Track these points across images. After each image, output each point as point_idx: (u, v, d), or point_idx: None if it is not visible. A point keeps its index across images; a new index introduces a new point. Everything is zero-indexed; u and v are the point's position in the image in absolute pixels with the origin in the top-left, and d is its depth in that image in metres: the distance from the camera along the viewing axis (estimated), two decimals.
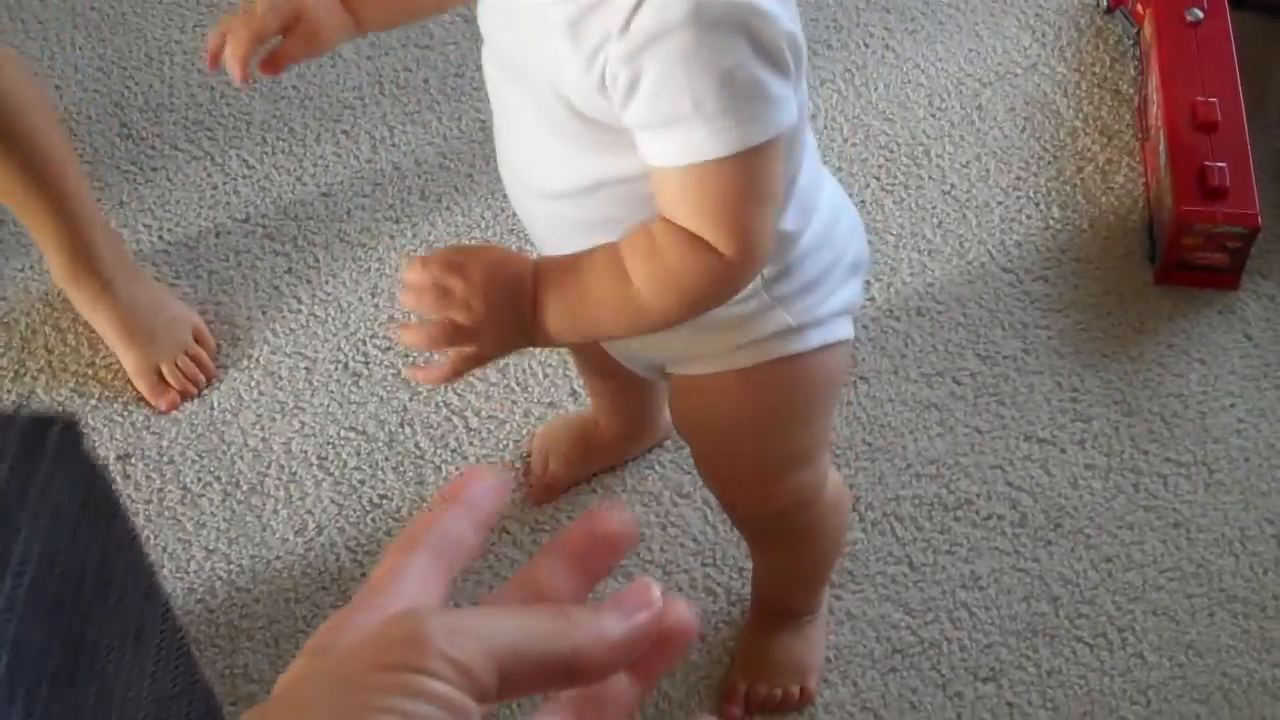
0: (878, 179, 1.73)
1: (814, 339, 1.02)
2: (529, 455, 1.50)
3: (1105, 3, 1.90)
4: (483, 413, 1.55)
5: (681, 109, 0.80)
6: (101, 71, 1.87)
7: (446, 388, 1.56)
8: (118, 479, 1.50)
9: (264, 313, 1.63)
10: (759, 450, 1.12)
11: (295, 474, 1.51)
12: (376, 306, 1.63)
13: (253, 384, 1.57)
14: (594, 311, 0.90)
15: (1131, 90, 1.83)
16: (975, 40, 1.89)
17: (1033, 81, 1.84)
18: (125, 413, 1.56)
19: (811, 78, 1.70)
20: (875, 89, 1.83)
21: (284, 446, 1.53)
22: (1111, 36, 1.89)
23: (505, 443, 1.53)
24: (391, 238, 1.69)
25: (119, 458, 1.52)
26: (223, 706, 1.35)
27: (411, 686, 0.35)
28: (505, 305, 0.87)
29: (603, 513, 0.44)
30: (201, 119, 1.82)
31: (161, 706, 1.07)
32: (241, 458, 1.52)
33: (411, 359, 1.58)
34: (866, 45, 1.87)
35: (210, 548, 1.46)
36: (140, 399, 1.56)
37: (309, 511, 1.48)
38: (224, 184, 1.75)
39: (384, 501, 1.49)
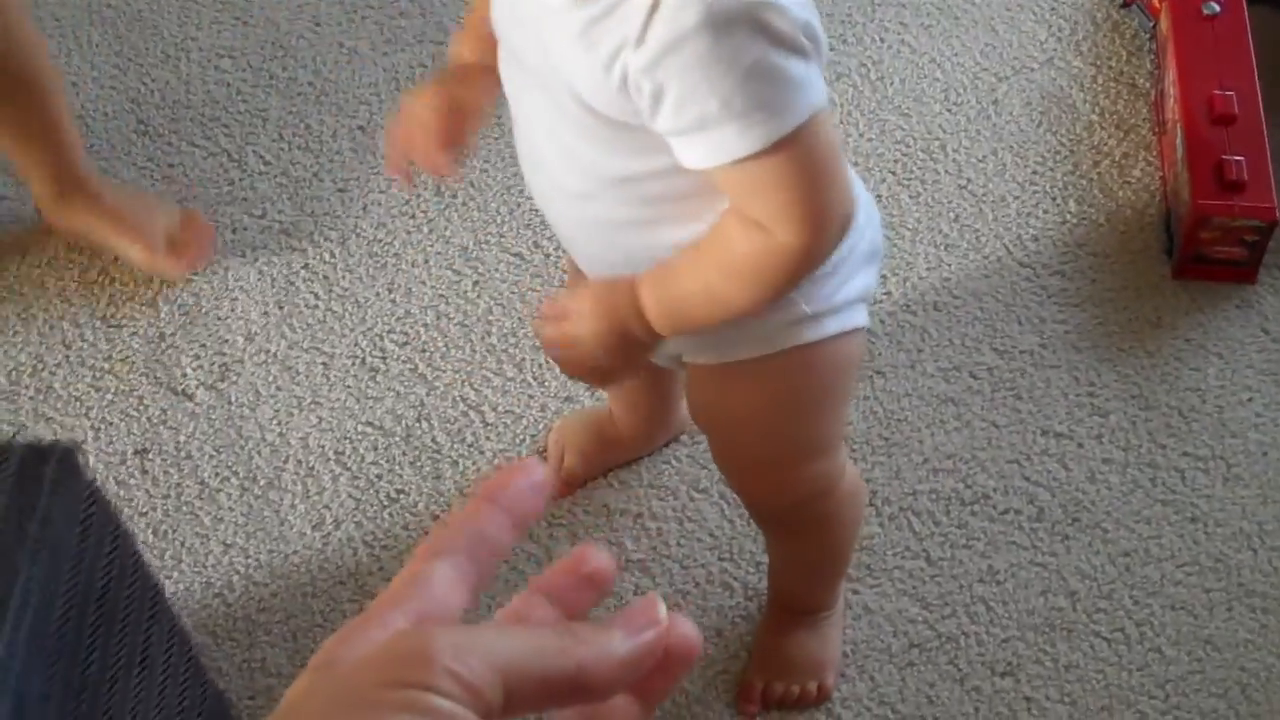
0: (894, 174, 1.73)
1: (830, 326, 1.03)
2: (545, 450, 1.50)
3: None
4: (499, 407, 1.55)
5: (710, 111, 0.81)
6: (118, 69, 1.88)
7: (463, 383, 1.56)
8: (135, 474, 1.51)
9: (281, 308, 1.63)
10: (776, 439, 1.12)
11: (313, 469, 1.51)
12: (393, 302, 1.63)
13: (270, 379, 1.58)
14: (685, 306, 0.95)
15: (1148, 84, 1.82)
16: (991, 35, 1.88)
17: (1049, 76, 1.84)
18: (142, 407, 1.56)
19: (827, 73, 1.70)
20: (891, 84, 1.83)
21: (301, 441, 1.53)
22: (1128, 30, 1.88)
23: (522, 437, 1.53)
24: (408, 233, 1.69)
25: (137, 452, 1.53)
26: (240, 700, 1.35)
27: (417, 704, 0.35)
28: (613, 318, 0.96)
29: (586, 550, 0.43)
30: (218, 115, 1.82)
31: None
32: (259, 452, 1.52)
33: (428, 356, 1.58)
34: (882, 40, 1.87)
35: (228, 542, 1.47)
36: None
37: (326, 506, 1.49)
38: (241, 180, 1.76)
39: (401, 496, 1.49)
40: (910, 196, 1.71)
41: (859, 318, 1.06)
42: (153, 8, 1.93)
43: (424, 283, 1.65)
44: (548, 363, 1.57)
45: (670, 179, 0.90)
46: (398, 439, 1.53)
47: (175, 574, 1.44)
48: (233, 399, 1.57)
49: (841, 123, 1.77)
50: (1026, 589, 1.42)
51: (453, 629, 0.38)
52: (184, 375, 1.58)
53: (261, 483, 1.50)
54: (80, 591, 0.93)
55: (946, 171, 1.74)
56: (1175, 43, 1.73)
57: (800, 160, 0.84)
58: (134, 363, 1.59)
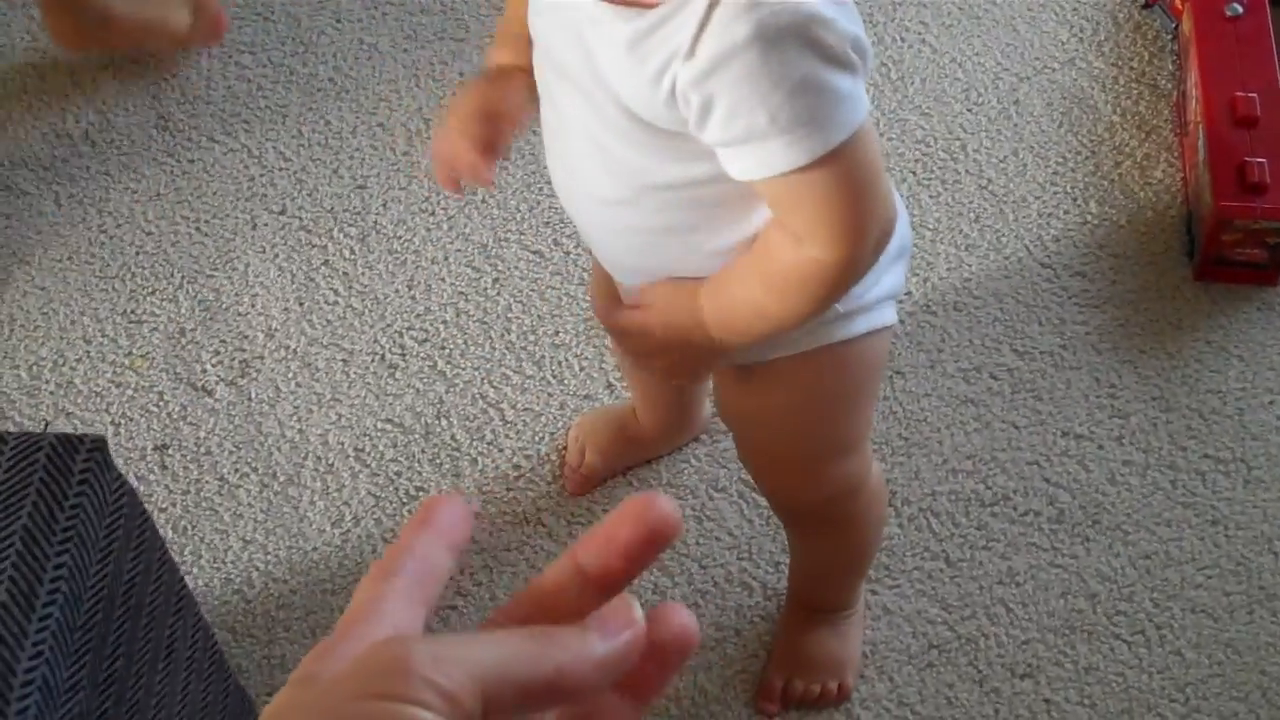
0: (914, 174, 1.73)
1: (861, 325, 1.03)
2: (565, 447, 1.50)
3: None
4: (519, 405, 1.55)
5: (758, 125, 0.81)
6: (138, 63, 1.88)
7: (483, 380, 1.56)
8: (155, 469, 1.51)
9: (301, 304, 1.64)
10: (806, 437, 1.12)
11: (332, 465, 1.51)
12: (413, 299, 1.63)
13: (290, 375, 1.58)
14: (736, 318, 0.96)
15: (1170, 85, 1.82)
16: (1012, 34, 1.88)
17: (1070, 76, 1.83)
18: (162, 403, 1.56)
19: None
20: (912, 83, 1.83)
21: (321, 438, 1.53)
22: (1150, 31, 1.88)
23: (541, 435, 1.53)
24: (427, 230, 1.69)
25: (156, 448, 1.53)
26: (259, 697, 1.35)
27: (397, 716, 0.35)
28: (678, 324, 0.99)
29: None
30: (238, 111, 1.82)
31: (194, 718, 1.07)
32: (279, 449, 1.53)
33: (447, 353, 1.59)
34: (903, 40, 1.87)
35: (247, 538, 1.47)
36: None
37: (345, 503, 1.49)
38: (260, 176, 1.76)
39: (420, 494, 1.49)
40: (931, 196, 1.71)
41: (888, 316, 1.06)
42: None
43: (444, 280, 1.65)
44: (567, 360, 1.57)
45: (710, 186, 0.90)
46: (417, 436, 1.53)
47: (195, 570, 1.44)
48: (253, 395, 1.57)
49: None
50: (1046, 591, 1.42)
51: (430, 638, 0.38)
52: (204, 371, 1.59)
53: (281, 479, 1.51)
54: (108, 584, 0.93)
55: (967, 171, 1.73)
56: (1198, 44, 1.72)
57: (843, 174, 0.84)
58: (153, 357, 1.60)
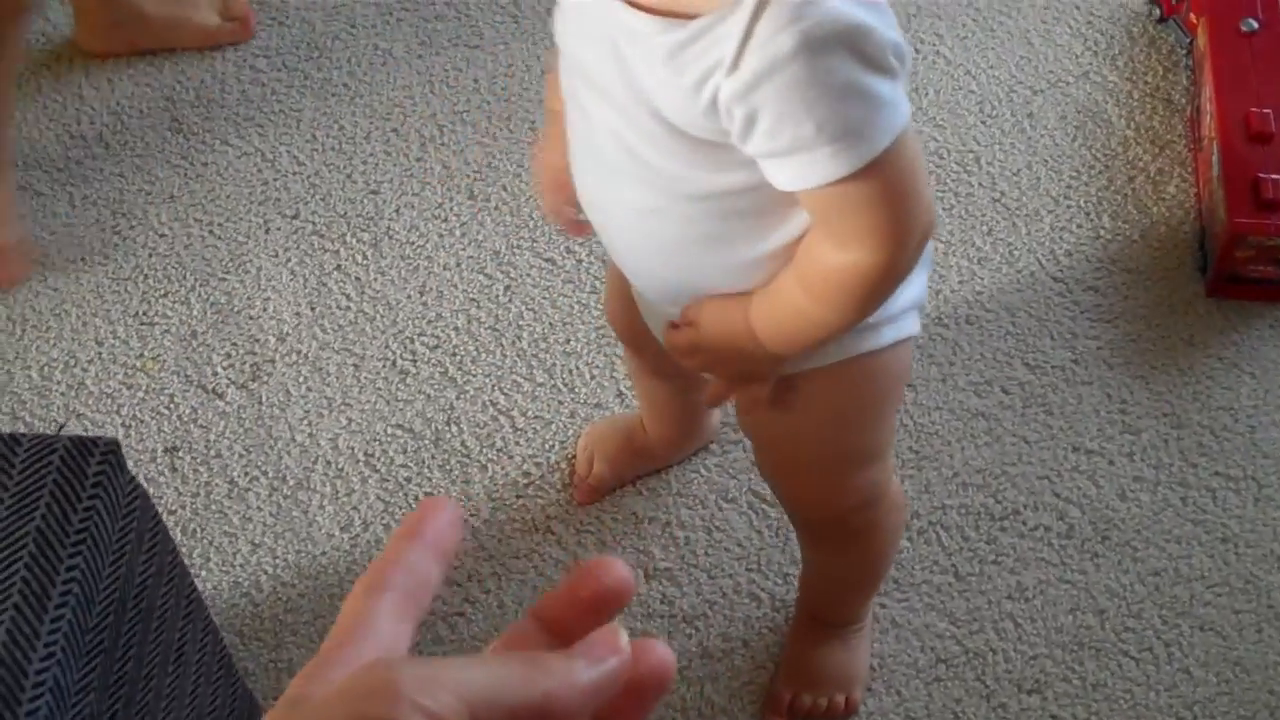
0: None
1: (888, 335, 1.03)
2: (574, 456, 1.50)
3: (1158, 11, 1.89)
4: (529, 413, 1.55)
5: (804, 135, 0.81)
6: (153, 65, 1.88)
7: (493, 387, 1.56)
8: (165, 472, 1.51)
9: (313, 309, 1.64)
10: (831, 447, 1.12)
11: (342, 470, 1.51)
12: (425, 305, 1.63)
13: (301, 379, 1.58)
14: (784, 327, 0.96)
15: (1184, 100, 1.82)
16: (1027, 47, 1.88)
17: (1084, 90, 1.83)
18: (173, 405, 1.56)
19: None
20: (925, 95, 1.83)
21: (331, 442, 1.53)
22: (1164, 45, 1.88)
23: (551, 443, 1.53)
24: (440, 236, 1.70)
25: (167, 450, 1.53)
26: (266, 700, 1.35)
27: None
28: (729, 339, 1.00)
29: (594, 568, 0.44)
30: (252, 115, 1.83)
31: None
32: (289, 453, 1.53)
33: (458, 360, 1.59)
34: (917, 51, 1.87)
35: (256, 542, 1.47)
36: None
37: (355, 508, 1.49)
38: (274, 180, 1.76)
39: None
40: (944, 209, 1.71)
41: (912, 325, 1.06)
42: None
43: (456, 286, 1.65)
44: (578, 368, 1.57)
45: (743, 196, 0.90)
46: (427, 442, 1.53)
47: (204, 573, 1.45)
48: (263, 399, 1.57)
49: None
50: (1055, 606, 1.42)
51: (417, 661, 0.38)
52: (215, 374, 1.59)
53: (291, 483, 1.51)
54: (120, 587, 0.93)
55: (980, 184, 1.73)
56: (1212, 59, 1.72)
57: (888, 180, 0.84)
58: (165, 360, 1.60)
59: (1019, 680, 1.38)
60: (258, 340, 1.61)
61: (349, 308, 1.64)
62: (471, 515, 1.47)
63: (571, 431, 1.53)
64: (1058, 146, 1.77)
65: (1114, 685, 1.37)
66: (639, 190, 0.95)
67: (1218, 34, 1.75)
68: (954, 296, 1.63)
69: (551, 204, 1.15)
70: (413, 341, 1.61)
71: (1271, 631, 1.40)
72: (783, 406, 1.08)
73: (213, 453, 1.53)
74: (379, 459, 1.52)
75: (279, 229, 1.71)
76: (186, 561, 1.44)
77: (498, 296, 1.64)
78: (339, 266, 1.67)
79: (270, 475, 1.51)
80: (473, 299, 1.64)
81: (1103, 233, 1.69)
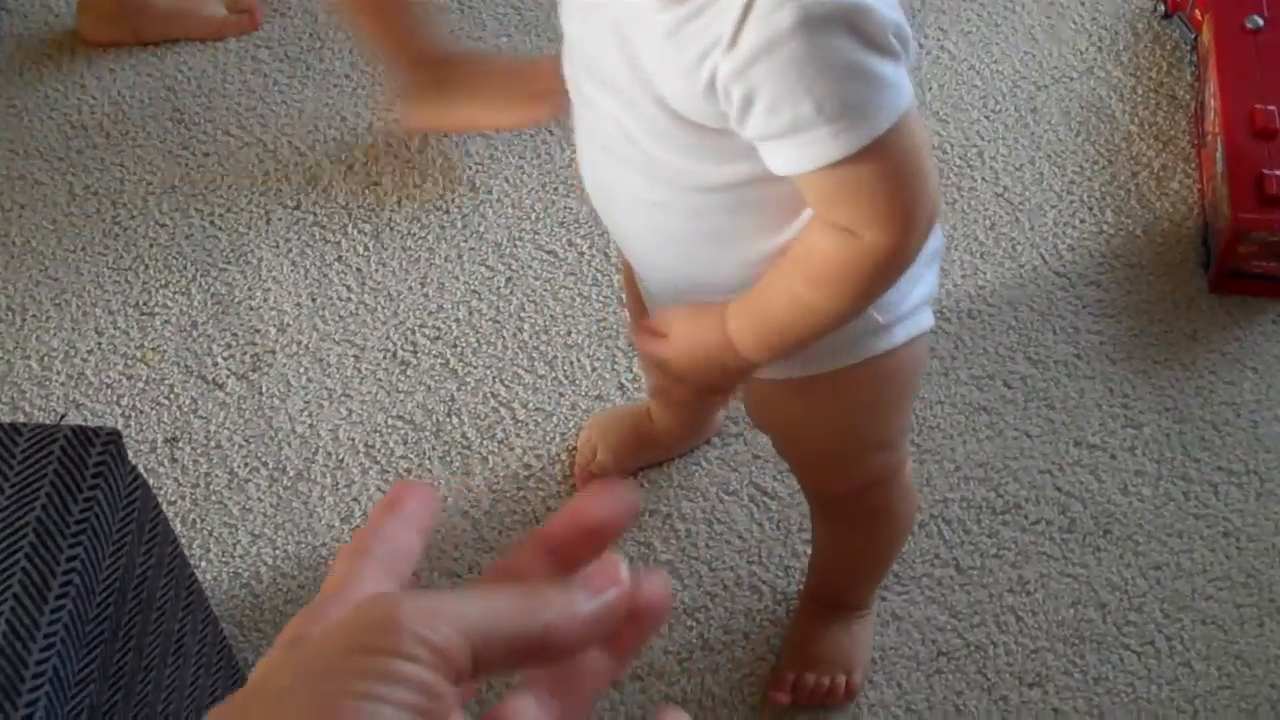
0: None
1: (900, 334, 1.02)
2: (575, 447, 1.50)
3: (1162, 7, 1.89)
4: (530, 404, 1.54)
5: (803, 116, 0.80)
6: (155, 56, 1.88)
7: (494, 379, 1.56)
8: (165, 462, 1.51)
9: (314, 300, 1.63)
10: (844, 441, 1.12)
11: (342, 461, 1.51)
12: (425, 296, 1.63)
13: (301, 370, 1.58)
14: (776, 326, 0.93)
15: (1188, 96, 1.81)
16: (1031, 43, 1.87)
17: (1088, 85, 1.83)
18: (173, 395, 1.56)
19: None
20: (929, 90, 1.82)
21: (331, 433, 1.53)
22: (1168, 41, 1.87)
23: (552, 435, 1.52)
24: (441, 228, 1.69)
25: (167, 441, 1.53)
26: None
27: (387, 670, 0.36)
28: (701, 350, 0.97)
29: (591, 498, 0.44)
30: (254, 106, 1.82)
31: (201, 712, 1.07)
32: (289, 444, 1.52)
33: (459, 351, 1.58)
34: (921, 46, 1.86)
35: (256, 533, 1.46)
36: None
37: (355, 499, 1.48)
38: (275, 170, 1.76)
39: None
40: (947, 204, 1.70)
41: (925, 320, 1.04)
42: None
43: (457, 278, 1.65)
44: (579, 360, 1.57)
45: (749, 189, 0.89)
46: (428, 433, 1.53)
47: (204, 564, 1.44)
48: (264, 389, 1.57)
49: None
50: (1056, 600, 1.42)
51: (417, 594, 0.38)
52: (215, 364, 1.59)
53: (291, 474, 1.50)
54: (120, 577, 0.93)
55: (984, 179, 1.73)
56: (1217, 55, 1.72)
57: (891, 162, 0.83)
58: (164, 350, 1.59)
59: (1020, 673, 1.37)
60: (258, 331, 1.61)
61: (350, 299, 1.63)
62: (472, 507, 1.47)
63: (573, 423, 1.53)
64: (1061, 142, 1.77)
65: (1115, 679, 1.37)
66: (643, 182, 0.94)
67: (1222, 30, 1.74)
68: (956, 291, 1.63)
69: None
70: (413, 333, 1.60)
71: (1273, 625, 1.40)
72: (791, 408, 1.08)
73: (213, 443, 1.53)
74: (379, 450, 1.52)
75: (280, 220, 1.71)
76: (187, 552, 1.44)
77: (499, 288, 1.64)
78: (340, 258, 1.67)
79: (270, 466, 1.51)
80: (474, 290, 1.64)
81: (1106, 228, 1.69)
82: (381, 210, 1.71)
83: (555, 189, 1.71)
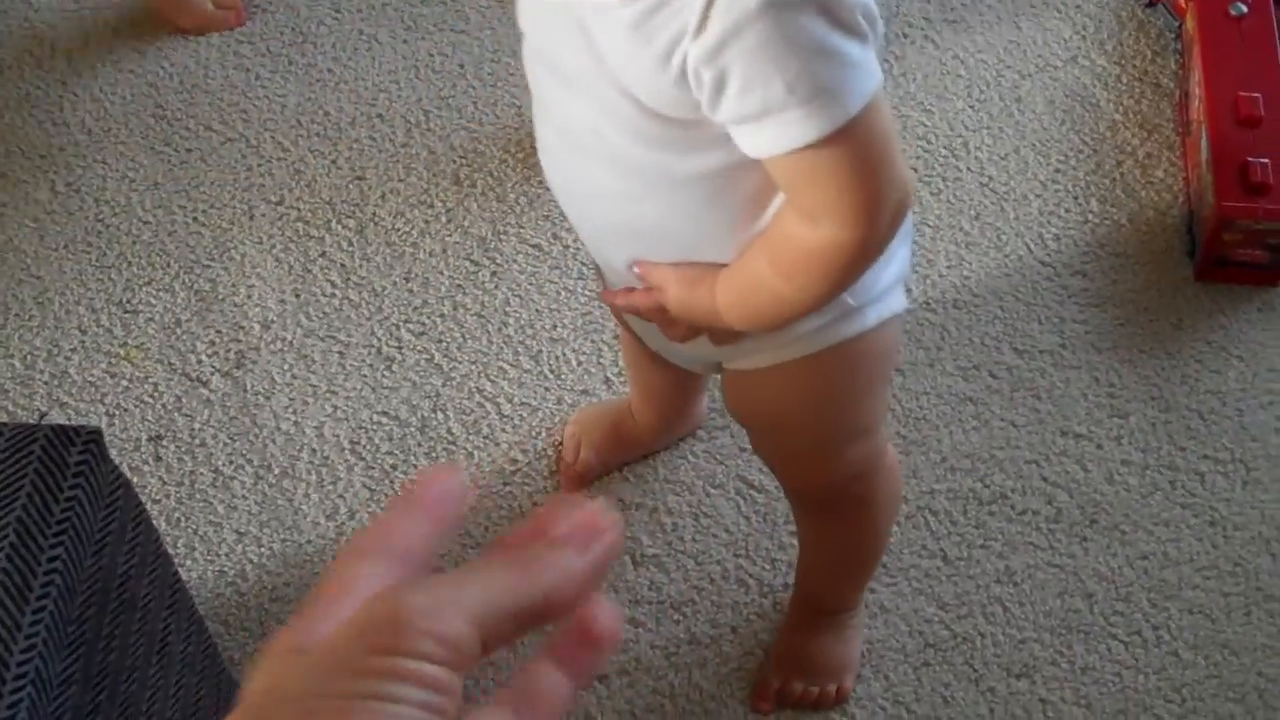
0: (915, 170, 1.72)
1: (871, 317, 1.01)
2: (560, 442, 1.50)
3: None
4: (515, 399, 1.54)
5: (775, 96, 0.79)
6: (136, 51, 1.87)
7: (479, 374, 1.56)
8: (149, 460, 1.51)
9: (297, 296, 1.63)
10: (821, 427, 1.11)
11: (327, 458, 1.51)
12: (410, 292, 1.63)
13: (285, 367, 1.57)
14: (753, 305, 0.94)
15: (1172, 84, 1.81)
16: (1015, 32, 1.87)
17: (1073, 74, 1.83)
18: (157, 394, 1.56)
19: None
20: (914, 79, 1.82)
21: (316, 430, 1.52)
22: (1153, 30, 1.87)
23: (538, 430, 1.52)
24: (426, 223, 1.69)
25: (151, 439, 1.52)
26: None
27: (398, 670, 0.36)
28: (691, 316, 0.98)
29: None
30: (236, 101, 1.81)
31: (186, 714, 1.06)
32: (274, 441, 1.52)
33: (444, 347, 1.58)
34: (905, 35, 1.86)
35: (241, 531, 1.46)
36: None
37: (340, 496, 1.48)
38: (258, 166, 1.75)
39: None
40: (931, 193, 1.70)
41: (898, 302, 1.04)
42: None
43: (441, 273, 1.64)
44: (564, 355, 1.57)
45: (717, 180, 0.89)
46: (413, 429, 1.52)
47: (188, 562, 1.44)
48: (248, 387, 1.56)
49: None
50: (1043, 590, 1.42)
51: (420, 586, 0.39)
52: (199, 362, 1.58)
53: (276, 471, 1.50)
54: (102, 577, 0.92)
55: (968, 169, 1.73)
56: (1201, 43, 1.71)
57: (860, 147, 0.82)
58: (148, 348, 1.59)
59: (1008, 664, 1.37)
60: (242, 328, 1.60)
61: (334, 295, 1.63)
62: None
63: (558, 418, 1.53)
64: (1046, 131, 1.77)
65: (1103, 668, 1.37)
66: (610, 176, 0.93)
67: (1207, 18, 1.74)
68: (941, 281, 1.63)
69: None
70: (398, 328, 1.60)
71: (1260, 614, 1.40)
72: (762, 397, 1.08)
73: (197, 441, 1.52)
74: (364, 447, 1.51)
75: (263, 215, 1.70)
76: (170, 551, 1.43)
77: (484, 283, 1.63)
78: (324, 253, 1.67)
79: (255, 464, 1.50)
80: (459, 285, 1.63)
81: (1091, 217, 1.68)
82: (365, 205, 1.71)
83: (539, 183, 1.70)
